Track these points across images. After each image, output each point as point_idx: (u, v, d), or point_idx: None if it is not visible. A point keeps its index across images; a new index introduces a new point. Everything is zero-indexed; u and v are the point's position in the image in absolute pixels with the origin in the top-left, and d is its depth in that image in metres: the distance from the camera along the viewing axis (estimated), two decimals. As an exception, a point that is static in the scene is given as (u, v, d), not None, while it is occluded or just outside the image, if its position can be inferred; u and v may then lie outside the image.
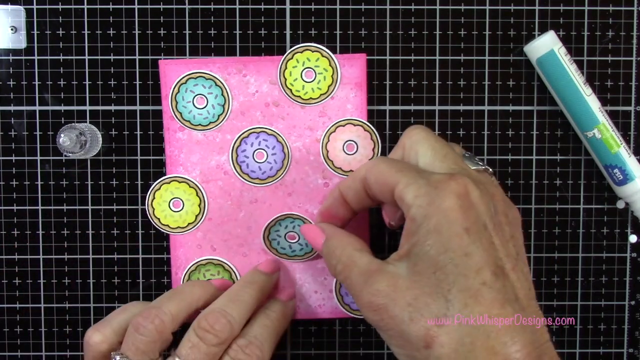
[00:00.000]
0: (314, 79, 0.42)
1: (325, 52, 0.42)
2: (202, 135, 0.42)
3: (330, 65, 0.42)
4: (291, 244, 0.42)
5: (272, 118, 0.42)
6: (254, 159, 0.42)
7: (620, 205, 0.44)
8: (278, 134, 0.42)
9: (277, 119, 0.42)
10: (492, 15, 0.43)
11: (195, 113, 0.42)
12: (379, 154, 0.43)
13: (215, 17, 0.43)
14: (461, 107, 0.43)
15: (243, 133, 0.42)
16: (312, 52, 0.42)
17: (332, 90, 0.42)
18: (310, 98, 0.42)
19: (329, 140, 0.42)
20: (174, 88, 0.42)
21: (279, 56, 0.42)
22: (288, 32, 0.43)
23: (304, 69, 0.42)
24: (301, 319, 0.43)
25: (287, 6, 0.43)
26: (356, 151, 0.42)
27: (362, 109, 0.42)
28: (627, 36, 0.43)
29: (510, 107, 0.43)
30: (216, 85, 0.42)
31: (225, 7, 0.43)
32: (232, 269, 0.43)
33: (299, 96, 0.42)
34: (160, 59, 0.43)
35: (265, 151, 0.42)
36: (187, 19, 0.43)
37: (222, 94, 0.42)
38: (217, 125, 0.42)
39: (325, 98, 0.42)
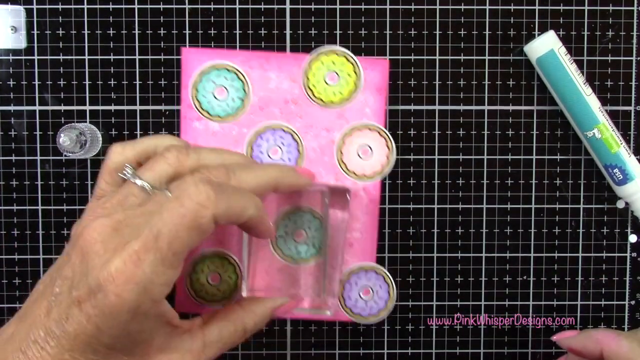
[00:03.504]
0: (337, 82, 0.42)
1: (351, 57, 0.42)
2: (219, 127, 0.42)
3: (354, 71, 0.42)
4: (297, 244, 0.42)
5: (290, 115, 0.42)
6: (268, 154, 0.42)
7: (620, 205, 0.44)
8: (294, 132, 0.42)
9: (295, 117, 0.42)
10: (492, 15, 0.43)
11: (214, 104, 0.42)
12: (393, 161, 0.43)
13: (215, 17, 0.43)
14: (461, 107, 0.43)
15: (260, 128, 0.42)
16: (338, 55, 0.42)
17: (354, 96, 0.42)
18: (331, 102, 0.42)
19: (344, 143, 0.42)
20: (196, 76, 0.42)
21: (302, 54, 0.42)
22: (288, 32, 0.43)
23: (328, 71, 0.42)
24: (301, 318, 0.43)
25: (287, 6, 0.43)
26: (371, 156, 0.42)
27: (380, 114, 0.42)
28: (627, 36, 0.43)
29: (510, 107, 0.43)
30: (238, 78, 0.42)
31: (225, 7, 0.43)
32: (236, 262, 0.43)
33: (320, 98, 0.42)
34: (184, 46, 0.43)
35: (280, 148, 0.42)
36: (187, 19, 0.43)
37: (243, 88, 0.42)
38: (234, 118, 0.42)
39: (346, 103, 0.42)
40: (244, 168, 0.35)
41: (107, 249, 0.31)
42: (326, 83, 0.42)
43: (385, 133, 0.42)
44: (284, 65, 0.42)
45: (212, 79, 0.42)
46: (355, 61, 0.42)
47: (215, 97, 0.42)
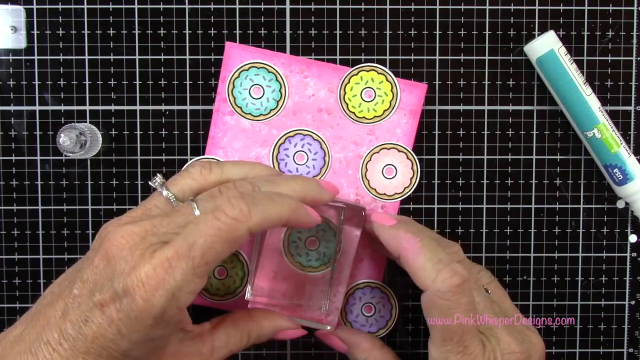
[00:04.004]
0: (373, 99, 0.42)
1: (390, 77, 0.42)
2: (250, 125, 0.42)
3: (391, 90, 0.42)
4: (309, 251, 0.42)
5: (322, 124, 0.42)
6: (293, 159, 0.42)
7: (620, 205, 0.44)
8: (323, 141, 0.42)
9: (326, 126, 0.42)
10: (492, 15, 0.43)
11: (248, 101, 0.42)
12: (416, 185, 0.43)
13: (215, 17, 0.43)
14: (461, 107, 0.43)
15: (290, 132, 0.42)
16: (378, 73, 0.42)
17: (387, 116, 0.42)
18: (364, 117, 0.42)
19: (370, 160, 0.42)
20: (235, 72, 0.42)
21: (343, 66, 0.42)
22: (288, 32, 0.43)
23: (365, 88, 0.42)
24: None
25: (287, 6, 0.43)
26: (394, 176, 0.43)
27: (410, 136, 0.42)
28: (627, 36, 0.43)
29: (510, 107, 0.43)
30: (276, 80, 0.42)
31: (225, 7, 0.43)
32: (245, 260, 0.43)
33: (354, 112, 0.42)
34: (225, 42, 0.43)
35: (307, 154, 0.42)
36: (187, 19, 0.43)
37: (279, 90, 0.42)
38: (266, 118, 0.42)
39: (378, 121, 0.42)
40: (268, 183, 0.36)
41: (134, 255, 0.31)
42: (362, 98, 0.42)
43: (413, 156, 0.42)
44: (324, 74, 0.42)
45: (251, 77, 0.42)
46: (394, 81, 0.42)
47: (251, 95, 0.42)
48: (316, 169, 0.42)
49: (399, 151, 0.42)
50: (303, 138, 0.42)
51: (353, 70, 0.42)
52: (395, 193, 0.43)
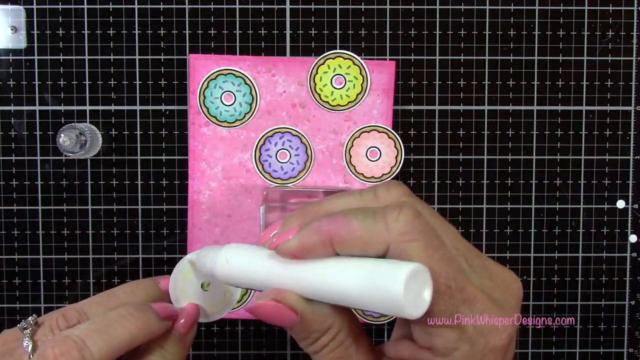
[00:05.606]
0: (344, 86, 0.42)
1: (357, 60, 0.42)
2: (227, 132, 0.42)
3: (360, 73, 0.42)
4: None
5: (298, 119, 0.42)
6: (276, 158, 0.42)
7: (620, 205, 0.44)
8: (302, 135, 0.42)
9: (302, 120, 0.42)
10: (492, 15, 0.43)
11: (222, 109, 0.42)
12: (402, 162, 0.43)
13: (215, 17, 0.43)
14: (461, 107, 0.43)
15: (268, 132, 0.42)
16: (344, 59, 0.42)
17: (360, 99, 0.42)
18: (338, 105, 0.42)
19: (352, 145, 0.42)
20: (203, 83, 0.42)
21: (309, 58, 0.42)
22: (288, 32, 0.43)
23: (335, 75, 0.42)
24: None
25: (287, 6, 0.43)
26: (379, 158, 0.43)
27: (387, 115, 0.42)
28: (627, 36, 0.43)
29: (510, 107, 0.43)
30: (245, 83, 0.42)
31: (225, 7, 0.43)
32: None
33: (327, 102, 0.42)
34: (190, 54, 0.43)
35: (289, 151, 0.42)
36: (187, 19, 0.43)
37: (250, 93, 0.42)
38: (242, 123, 0.42)
39: (353, 106, 0.42)
40: (93, 336, 0.29)
41: None
42: (333, 86, 0.42)
43: (394, 135, 0.42)
44: (291, 69, 0.42)
45: (220, 84, 0.42)
46: (362, 64, 0.42)
47: (223, 103, 0.42)
48: (300, 164, 0.42)
49: (379, 132, 0.42)
50: (282, 136, 0.42)
51: (319, 60, 0.42)
52: (383, 174, 0.43)
